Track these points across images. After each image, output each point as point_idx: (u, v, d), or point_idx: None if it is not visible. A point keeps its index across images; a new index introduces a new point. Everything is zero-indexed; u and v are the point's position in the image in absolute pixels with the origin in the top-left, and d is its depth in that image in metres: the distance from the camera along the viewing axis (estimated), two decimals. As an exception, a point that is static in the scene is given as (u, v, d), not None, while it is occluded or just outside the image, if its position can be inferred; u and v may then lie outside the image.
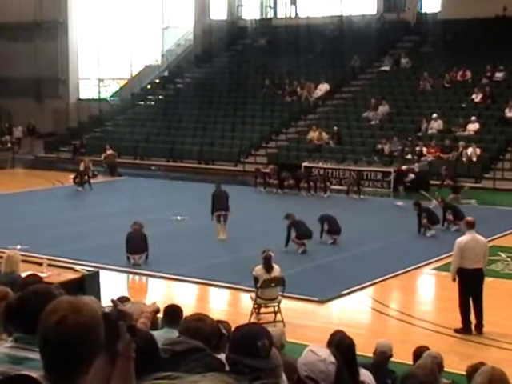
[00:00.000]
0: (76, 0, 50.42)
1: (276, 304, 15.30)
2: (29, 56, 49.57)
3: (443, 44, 40.86)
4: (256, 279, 15.36)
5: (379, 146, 34.70)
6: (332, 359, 4.11)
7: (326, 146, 36.18)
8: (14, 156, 43.91)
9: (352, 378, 5.65)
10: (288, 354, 7.61)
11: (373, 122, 37.57)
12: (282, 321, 14.99)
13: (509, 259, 20.17)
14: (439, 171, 30.36)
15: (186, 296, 17.69)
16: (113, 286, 17.75)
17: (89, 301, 3.17)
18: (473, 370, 8.00)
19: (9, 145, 45.22)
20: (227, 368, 4.01)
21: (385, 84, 40.82)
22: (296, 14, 48.66)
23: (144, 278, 19.27)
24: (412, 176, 30.97)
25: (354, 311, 16.74)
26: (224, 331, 5.93)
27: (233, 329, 4.77)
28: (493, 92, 36.79)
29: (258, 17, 49.96)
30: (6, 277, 10.47)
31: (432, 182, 31.43)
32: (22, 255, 12.52)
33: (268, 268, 15.37)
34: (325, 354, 4.14)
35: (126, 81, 52.06)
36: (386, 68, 41.82)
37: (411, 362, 9.52)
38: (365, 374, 6.84)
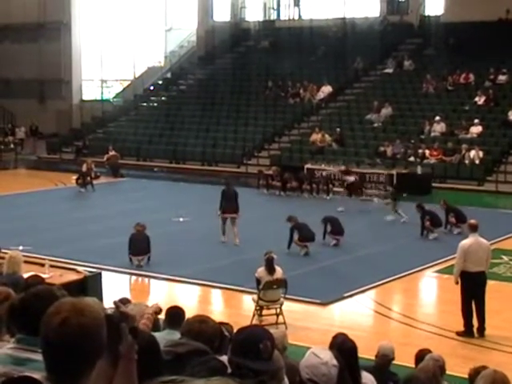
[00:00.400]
0: (79, 1, 50.46)
1: (278, 306, 15.29)
2: (32, 57, 49.61)
3: (446, 47, 40.86)
4: (258, 281, 15.36)
5: (382, 149, 34.68)
6: (334, 362, 4.10)
7: (328, 148, 36.16)
8: (16, 157, 43.94)
9: (354, 381, 5.64)
10: (290, 356, 7.62)
11: (375, 125, 37.56)
12: (284, 323, 14.98)
13: (511, 262, 20.16)
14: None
15: (188, 298, 17.70)
16: (115, 287, 17.75)
17: (91, 302, 3.16)
18: (475, 373, 8.00)
19: (12, 145, 45.27)
20: (230, 370, 4.01)
21: (388, 86, 40.82)
22: (299, 16, 48.65)
23: (146, 279, 19.27)
24: (351, 179, 30.65)
25: (356, 314, 16.74)
26: (226, 333, 5.93)
27: (235, 331, 4.77)
28: (496, 95, 36.78)
29: (261, 19, 49.94)
30: (8, 278, 10.47)
31: (434, 184, 31.50)
32: (24, 256, 12.51)
33: (270, 270, 15.37)
34: (327, 356, 4.13)
35: (128, 82, 52.08)
36: (389, 70, 41.80)
37: (413, 365, 9.52)
38: (367, 377, 6.83)
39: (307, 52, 43.92)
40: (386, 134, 36.47)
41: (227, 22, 50.07)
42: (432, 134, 35.28)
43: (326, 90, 41.15)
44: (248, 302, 16.17)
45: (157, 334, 5.56)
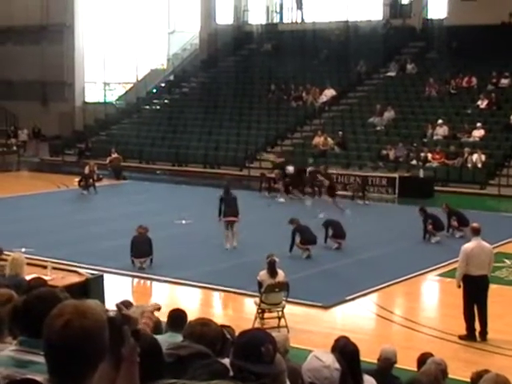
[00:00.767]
0: (82, 4, 50.51)
1: (280, 309, 15.28)
2: (35, 59, 49.65)
3: (449, 50, 40.87)
4: (260, 284, 15.36)
5: (384, 152, 34.69)
6: (336, 365, 4.10)
7: (331, 152, 36.17)
8: (19, 159, 43.99)
9: (356, 384, 5.65)
10: (292, 359, 7.61)
11: (378, 128, 37.56)
12: (286, 326, 14.97)
13: (513, 266, 20.15)
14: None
15: (190, 300, 17.71)
16: (117, 289, 17.75)
17: (94, 305, 3.16)
18: (477, 376, 7.99)
19: (14, 147, 45.31)
20: (231, 373, 4.01)
21: (390, 90, 40.83)
22: (302, 19, 48.65)
23: (148, 281, 19.27)
24: (291, 169, 30.64)
25: (358, 317, 16.73)
26: (228, 336, 5.93)
27: (237, 334, 4.77)
28: (498, 98, 36.78)
29: (263, 22, 49.97)
30: (10, 280, 10.47)
31: (437, 188, 31.49)
32: (27, 258, 12.52)
33: (272, 273, 15.36)
34: (329, 360, 4.13)
35: (131, 85, 52.11)
36: (392, 74, 41.83)
37: (415, 369, 9.52)
38: (369, 381, 6.83)
39: (310, 55, 43.96)
40: (388, 137, 36.48)
41: (230, 25, 50.10)
42: (434, 138, 35.29)
43: (329, 93, 41.16)
44: (250, 305, 16.17)
45: (159, 337, 5.56)
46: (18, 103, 47.90)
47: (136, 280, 19.38)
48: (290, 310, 15.61)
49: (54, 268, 15.57)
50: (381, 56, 42.58)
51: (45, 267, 15.37)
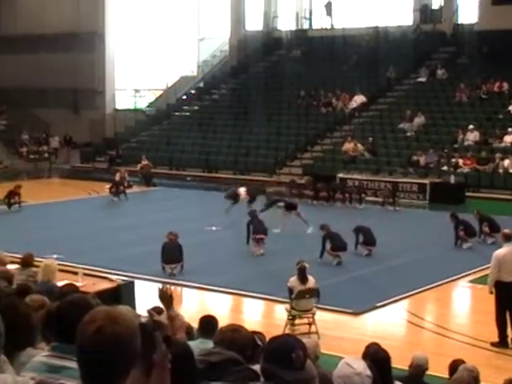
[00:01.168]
0: (113, 11, 50.82)
1: (310, 315, 15.27)
2: (66, 67, 49.98)
3: (480, 55, 40.59)
4: (291, 290, 15.34)
5: (415, 158, 34.52)
6: (368, 372, 4.09)
7: (361, 158, 36.08)
8: (50, 166, 44.29)
9: (387, 391, 5.63)
10: (322, 366, 7.59)
11: (408, 134, 37.40)
12: (317, 332, 14.94)
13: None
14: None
15: (220, 306, 17.71)
16: (148, 295, 17.78)
17: (125, 311, 3.18)
18: (509, 383, 7.95)
19: (46, 155, 45.64)
20: (262, 379, 4.01)
21: (421, 95, 40.64)
22: (331, 25, 48.57)
23: (179, 288, 19.30)
24: (242, 191, 29.35)
25: (388, 323, 16.66)
26: (259, 342, 5.93)
27: (267, 340, 4.76)
28: (530, 103, 36.52)
29: (293, 28, 49.96)
30: (42, 286, 10.56)
31: (468, 194, 31.29)
32: (58, 264, 12.61)
33: (303, 279, 15.34)
34: (360, 366, 4.12)
35: (161, 91, 52.31)
36: (422, 79, 41.64)
37: (447, 376, 9.46)
38: (400, 387, 6.81)
39: (340, 61, 43.87)
40: (418, 143, 36.31)
41: (259, 31, 50.13)
42: (465, 143, 35.07)
43: (359, 99, 41.07)
44: (280, 312, 16.16)
45: (190, 343, 5.58)
46: (49, 111, 48.26)
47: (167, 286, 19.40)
48: (320, 316, 15.58)
49: (85, 274, 15.65)
50: (411, 61, 42.41)
51: (76, 273, 15.45)
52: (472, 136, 35.09)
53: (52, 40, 50.23)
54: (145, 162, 37.71)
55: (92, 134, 49.02)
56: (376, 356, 7.28)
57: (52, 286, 10.51)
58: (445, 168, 33.41)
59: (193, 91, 49.38)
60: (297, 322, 15.39)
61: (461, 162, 33.44)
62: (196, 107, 47.32)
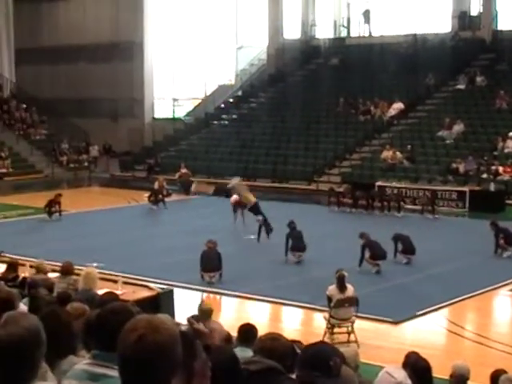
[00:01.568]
0: (152, 21, 51.19)
1: (350, 324, 15.21)
2: (106, 76, 50.46)
3: (520, 62, 40.29)
4: (329, 299, 15.31)
5: (454, 166, 34.30)
6: (408, 382, 4.07)
7: (399, 165, 35.92)
8: (90, 174, 44.68)
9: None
10: (362, 375, 7.57)
11: (447, 141, 37.17)
12: (356, 341, 14.88)
13: None
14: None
15: (259, 315, 17.70)
16: (187, 304, 17.85)
17: (165, 319, 3.19)
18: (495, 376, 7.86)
19: (85, 163, 46.04)
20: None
21: (460, 102, 40.37)
22: (369, 32, 48.48)
23: (218, 296, 19.33)
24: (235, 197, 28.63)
25: (428, 332, 16.54)
26: (298, 351, 5.92)
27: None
28: None
29: (331, 36, 49.92)
30: (83, 294, 10.63)
31: (508, 201, 31.01)
32: (98, 273, 12.69)
33: (342, 288, 15.30)
34: (401, 376, 4.10)
35: (200, 100, 52.52)
36: (461, 86, 41.37)
37: (488, 386, 9.37)
38: (441, 397, 6.76)
39: (378, 69, 43.73)
40: (458, 150, 36.06)
41: (297, 40, 50.16)
42: (505, 151, 34.77)
43: (397, 106, 40.92)
44: (319, 320, 16.12)
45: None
46: (89, 120, 48.68)
47: (205, 294, 19.46)
48: (359, 325, 15.52)
49: (125, 283, 15.75)
50: (449, 68, 42.17)
51: (115, 282, 15.56)
52: (512, 143, 34.81)
53: (92, 50, 50.76)
54: (184, 171, 37.86)
55: (131, 142, 49.35)
56: (416, 365, 7.25)
57: (93, 294, 10.59)
58: (484, 176, 33.15)
59: (231, 100, 49.50)
60: (336, 330, 15.35)
61: (501, 169, 33.15)
62: (234, 116, 47.43)
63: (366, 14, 48.00)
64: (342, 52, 47.53)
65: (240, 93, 50.32)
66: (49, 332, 3.45)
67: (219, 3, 51.90)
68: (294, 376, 4.75)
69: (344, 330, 15.29)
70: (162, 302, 14.91)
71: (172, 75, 52.92)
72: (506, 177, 32.80)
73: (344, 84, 43.94)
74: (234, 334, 7.62)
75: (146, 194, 33.35)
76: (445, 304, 17.90)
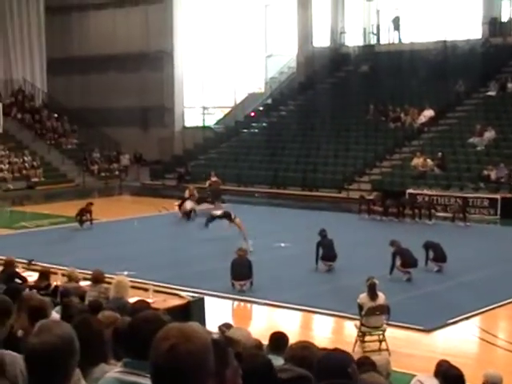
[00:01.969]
0: (181, 30, 51.46)
1: (381, 332, 15.16)
2: (136, 86, 50.77)
3: (552, 67, 39.99)
4: (360, 307, 15.28)
5: (485, 173, 34.09)
6: (440, 390, 4.06)
7: (430, 173, 35.75)
8: (121, 183, 44.94)
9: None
10: (394, 383, 7.54)
11: (478, 148, 36.96)
12: (387, 349, 14.82)
13: None
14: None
15: (289, 323, 17.67)
16: (217, 312, 17.88)
17: (197, 328, 3.20)
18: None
19: (116, 172, 46.33)
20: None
21: (490, 109, 40.13)
22: (399, 39, 48.34)
23: (249, 304, 19.34)
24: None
25: (460, 341, 16.44)
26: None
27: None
28: None
29: (360, 43, 49.84)
30: (114, 302, 10.68)
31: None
32: (129, 281, 12.75)
33: (373, 296, 15.26)
34: (432, 384, 4.09)
35: (229, 109, 52.63)
36: (492, 93, 41.11)
37: (521, 394, 9.30)
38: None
39: (408, 76, 43.58)
40: (489, 157, 35.84)
41: (327, 48, 50.13)
42: (537, 157, 34.53)
43: (428, 113, 40.75)
44: (350, 328, 16.08)
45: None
46: (119, 129, 48.98)
47: (236, 303, 19.49)
48: (391, 333, 15.46)
49: (156, 291, 15.80)
50: (480, 75, 41.93)
51: (146, 290, 15.61)
52: (544, 150, 34.55)
53: (122, 60, 51.10)
54: (214, 179, 37.92)
55: (161, 151, 49.58)
56: (448, 374, 7.21)
57: (124, 303, 10.64)
58: (516, 183, 32.94)
59: (261, 108, 49.55)
60: (367, 338, 15.30)
61: (533, 176, 32.92)
62: (264, 124, 47.49)
63: (396, 21, 47.87)
64: (372, 59, 47.42)
65: (270, 101, 50.36)
66: (81, 340, 3.48)
67: (249, 12, 52.02)
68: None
69: (375, 338, 15.24)
70: (192, 311, 14.94)
71: (202, 84, 53.10)
72: (538, 184, 32.57)
73: (374, 91, 43.85)
74: (265, 342, 7.62)
75: (177, 203, 33.41)
76: (476, 312, 17.77)
